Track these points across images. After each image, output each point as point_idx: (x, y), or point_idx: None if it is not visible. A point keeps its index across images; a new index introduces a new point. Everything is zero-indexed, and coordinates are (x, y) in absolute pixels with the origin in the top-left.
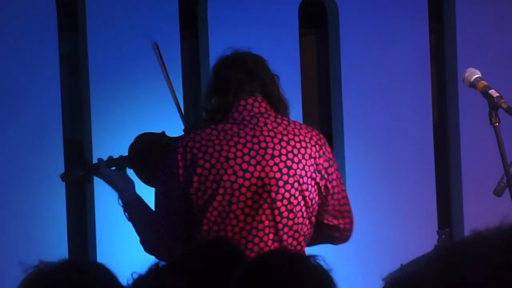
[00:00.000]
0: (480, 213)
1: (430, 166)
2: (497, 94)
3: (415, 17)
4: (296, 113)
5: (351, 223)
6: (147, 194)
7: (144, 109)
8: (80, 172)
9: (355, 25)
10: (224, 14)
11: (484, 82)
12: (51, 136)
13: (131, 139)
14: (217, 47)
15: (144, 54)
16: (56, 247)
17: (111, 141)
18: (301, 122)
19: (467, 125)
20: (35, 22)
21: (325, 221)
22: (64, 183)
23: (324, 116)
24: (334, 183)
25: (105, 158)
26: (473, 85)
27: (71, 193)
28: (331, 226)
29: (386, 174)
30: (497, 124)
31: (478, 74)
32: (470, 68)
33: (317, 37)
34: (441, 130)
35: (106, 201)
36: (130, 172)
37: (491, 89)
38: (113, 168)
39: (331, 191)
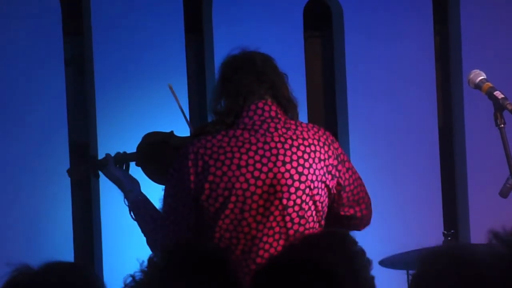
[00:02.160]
0: (486, 214)
1: (436, 168)
2: (502, 96)
3: (420, 19)
4: (301, 115)
5: (367, 208)
6: (151, 193)
7: (149, 112)
8: (86, 167)
9: (360, 27)
10: (229, 17)
11: (489, 84)
12: (57, 139)
13: (136, 141)
14: (222, 49)
15: (148, 56)
16: (61, 248)
17: (116, 143)
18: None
19: (472, 127)
20: (41, 25)
21: (342, 213)
22: (70, 184)
23: (329, 118)
24: (346, 176)
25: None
26: (478, 86)
27: (76, 195)
28: (349, 216)
29: (391, 176)
30: (502, 125)
31: (483, 76)
32: (475, 70)
33: (322, 39)
34: (447, 132)
35: (111, 201)
36: (137, 170)
37: (496, 90)
38: (119, 165)
39: (343, 184)
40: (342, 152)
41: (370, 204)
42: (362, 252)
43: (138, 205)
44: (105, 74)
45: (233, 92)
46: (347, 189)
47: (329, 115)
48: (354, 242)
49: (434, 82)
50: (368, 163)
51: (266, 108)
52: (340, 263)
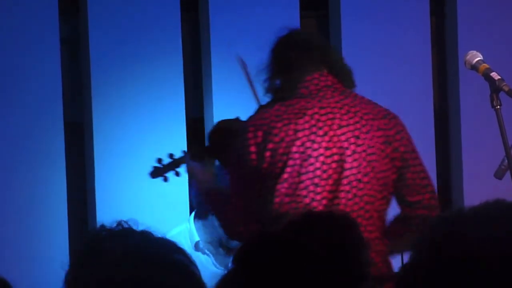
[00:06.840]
0: (481, 196)
1: (431, 149)
2: (499, 77)
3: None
4: None
5: (433, 198)
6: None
7: (144, 92)
8: (168, 168)
9: (356, 8)
10: None
11: (485, 65)
12: (52, 118)
13: (130, 121)
14: (218, 29)
15: (144, 37)
16: (56, 226)
17: (111, 123)
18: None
19: (468, 108)
20: (36, 5)
21: (407, 197)
22: (64, 164)
23: None
24: (413, 155)
25: (106, 141)
26: (474, 67)
27: (71, 174)
28: (415, 204)
29: None
30: (498, 107)
31: (479, 57)
32: (472, 51)
33: (318, 20)
34: (442, 113)
35: (109, 191)
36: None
37: (493, 71)
38: (195, 161)
39: (408, 163)
40: (408, 134)
41: (436, 196)
42: (357, 235)
43: (210, 194)
44: (101, 54)
45: (287, 68)
46: (412, 169)
47: None
48: (351, 225)
49: (430, 63)
50: None
51: (322, 78)
52: (327, 243)
